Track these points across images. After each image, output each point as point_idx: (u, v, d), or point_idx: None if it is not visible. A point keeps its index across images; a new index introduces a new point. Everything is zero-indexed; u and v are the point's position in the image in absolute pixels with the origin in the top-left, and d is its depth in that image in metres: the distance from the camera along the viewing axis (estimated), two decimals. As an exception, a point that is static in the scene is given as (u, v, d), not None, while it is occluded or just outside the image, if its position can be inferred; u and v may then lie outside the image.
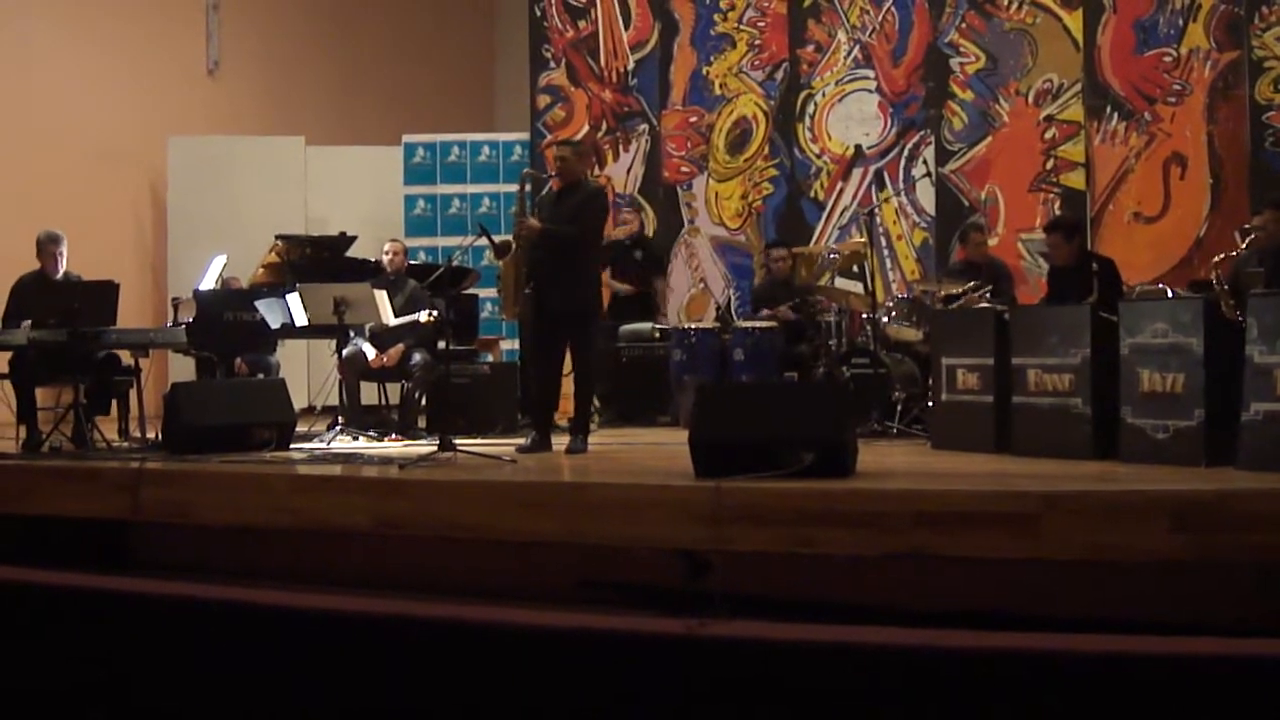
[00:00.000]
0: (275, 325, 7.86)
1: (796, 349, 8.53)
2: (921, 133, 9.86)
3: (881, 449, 6.85)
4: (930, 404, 7.09)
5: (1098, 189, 9.34)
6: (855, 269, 9.33)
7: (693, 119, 10.57)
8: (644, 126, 10.72)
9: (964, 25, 9.72)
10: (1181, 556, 4.53)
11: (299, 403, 7.85)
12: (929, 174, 9.68)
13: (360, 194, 11.21)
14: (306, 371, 10.14)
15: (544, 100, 11.05)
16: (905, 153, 9.93)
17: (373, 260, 8.50)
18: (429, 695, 3.53)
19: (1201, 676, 3.05)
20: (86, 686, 3.90)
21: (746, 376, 8.11)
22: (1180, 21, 9.13)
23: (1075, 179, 9.40)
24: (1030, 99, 9.53)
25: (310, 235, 9.30)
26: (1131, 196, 9.25)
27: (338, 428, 7.65)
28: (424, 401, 8.04)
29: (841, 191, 10.11)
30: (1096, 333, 5.98)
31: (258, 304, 7.88)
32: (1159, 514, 4.56)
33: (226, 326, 7.84)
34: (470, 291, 9.16)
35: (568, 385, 7.09)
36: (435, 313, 7.65)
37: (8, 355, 7.37)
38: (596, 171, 10.57)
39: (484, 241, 7.42)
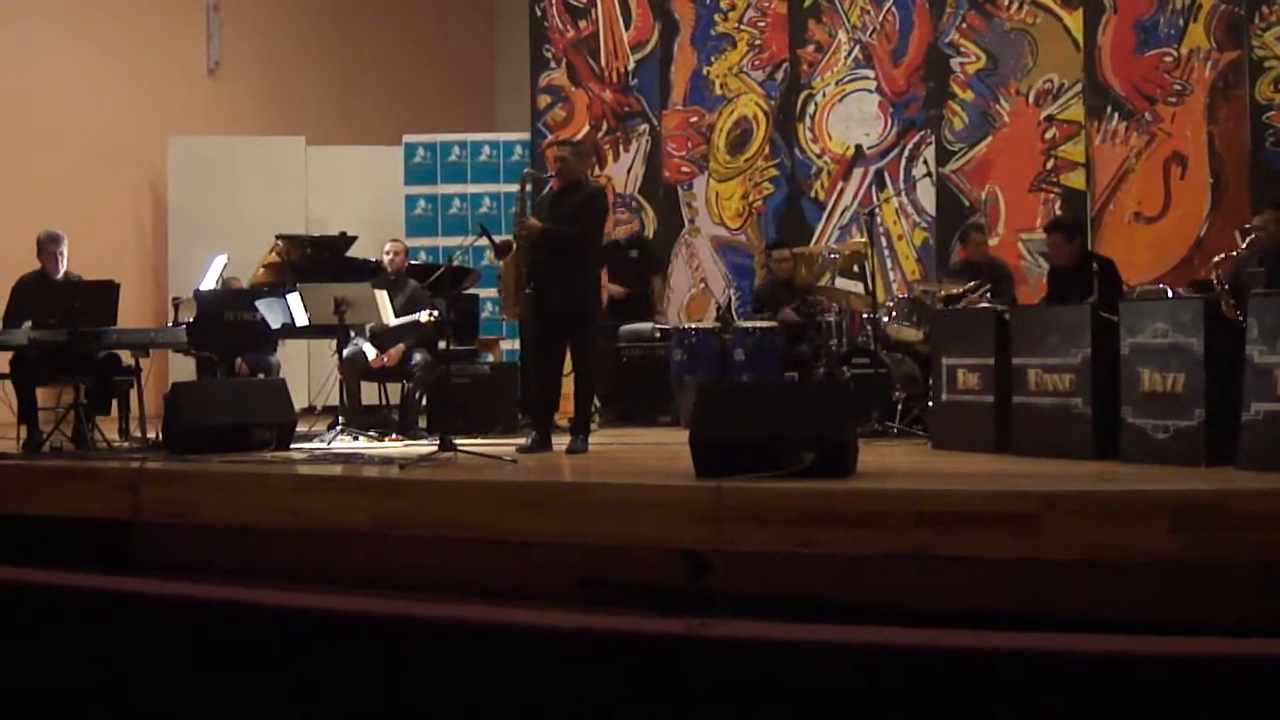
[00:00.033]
0: (276, 325, 7.87)
1: (797, 349, 8.54)
2: (922, 133, 9.86)
3: (882, 449, 6.85)
4: (931, 404, 7.09)
5: (1098, 189, 9.34)
6: (856, 269, 9.34)
7: (693, 119, 10.57)
8: (644, 126, 10.72)
9: (964, 25, 9.73)
10: (1182, 556, 4.53)
11: (299, 403, 7.85)
12: (929, 174, 9.69)
13: (361, 194, 11.22)
14: (307, 371, 10.15)
15: (544, 100, 11.05)
16: (906, 153, 9.93)
17: (373, 260, 8.51)
18: (429, 695, 3.53)
19: (1202, 677, 3.04)
20: (86, 686, 3.89)
21: (747, 376, 8.11)
22: (1181, 21, 9.13)
23: (1076, 179, 9.40)
24: (1031, 99, 9.53)
25: (311, 235, 9.31)
26: (1132, 196, 9.26)
27: (338, 428, 7.65)
28: (424, 401, 8.04)
29: (842, 191, 10.11)
30: (1097, 333, 5.98)
31: (258, 304, 7.89)
32: (1159, 514, 4.57)
33: (227, 326, 7.84)
34: (471, 291, 9.17)
35: (568, 385, 7.09)
36: (436, 313, 7.65)
37: (8, 355, 7.37)
38: (597, 172, 10.57)
39: (484, 241, 7.42)
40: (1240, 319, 5.54)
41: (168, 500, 6.04)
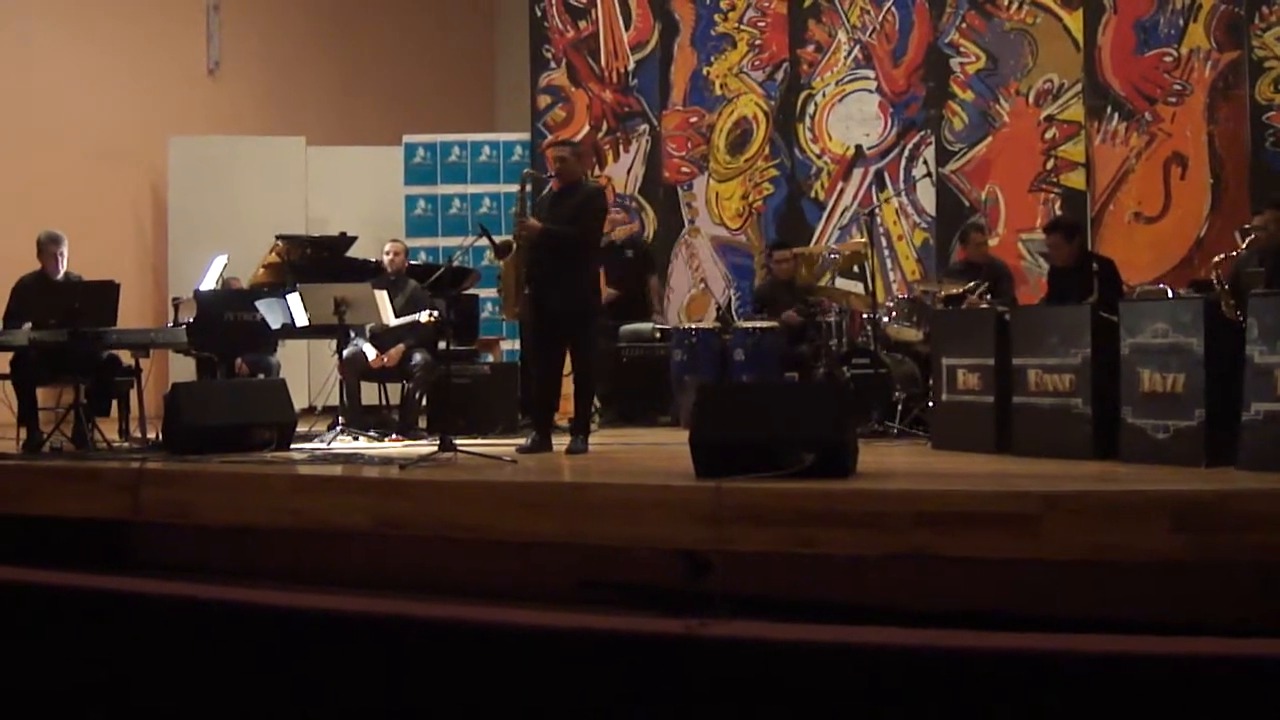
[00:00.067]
0: (276, 325, 7.87)
1: (797, 349, 8.53)
2: (922, 133, 9.86)
3: (882, 449, 6.85)
4: (931, 404, 7.09)
5: (1098, 189, 9.34)
6: (856, 269, 9.34)
7: (693, 119, 10.57)
8: (644, 127, 10.72)
9: (964, 25, 9.73)
10: (1182, 557, 4.53)
11: (299, 403, 7.85)
12: (929, 174, 9.68)
13: (361, 194, 11.22)
14: (307, 372, 10.15)
15: (544, 100, 11.06)
16: (905, 153, 9.93)
17: (373, 260, 8.50)
18: (429, 695, 3.53)
19: (1202, 677, 3.04)
20: (86, 686, 3.90)
21: (747, 377, 8.11)
22: (1180, 22, 9.13)
23: (1076, 179, 9.40)
24: (1030, 99, 9.53)
25: (311, 235, 9.31)
26: (1132, 196, 9.26)
27: (338, 428, 7.64)
28: (424, 402, 8.04)
29: (842, 192, 10.11)
30: (1097, 333, 5.98)
31: (258, 304, 7.88)
32: (1159, 514, 4.56)
33: (227, 327, 7.84)
34: (471, 292, 9.16)
35: (568, 385, 7.09)
36: (436, 313, 7.65)
37: (9, 356, 7.37)
38: (597, 172, 10.58)
39: (484, 242, 7.42)
40: (1240, 319, 5.54)
41: (168, 500, 6.03)
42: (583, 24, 10.94)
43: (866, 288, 8.67)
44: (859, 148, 10.05)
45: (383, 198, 11.15)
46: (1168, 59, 9.16)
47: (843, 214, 10.07)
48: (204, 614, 3.93)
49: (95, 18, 10.88)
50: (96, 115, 10.74)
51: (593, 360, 7.11)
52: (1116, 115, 9.28)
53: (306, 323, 7.71)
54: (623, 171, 10.77)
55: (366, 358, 7.82)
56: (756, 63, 10.38)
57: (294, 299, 7.70)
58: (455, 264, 7.77)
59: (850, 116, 10.09)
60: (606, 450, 7.18)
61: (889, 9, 9.97)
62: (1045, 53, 9.49)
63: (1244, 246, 6.39)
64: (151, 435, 7.55)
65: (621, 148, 10.79)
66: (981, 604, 4.68)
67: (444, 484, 5.73)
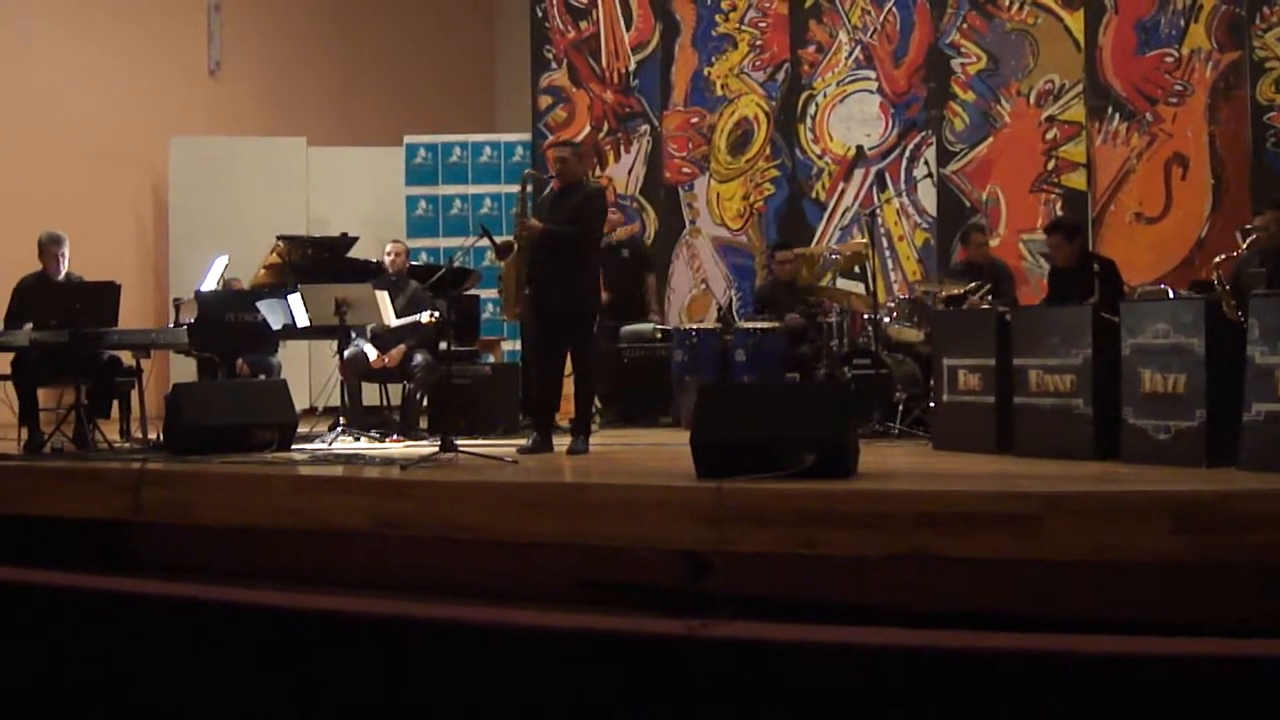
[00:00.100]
0: (277, 326, 7.86)
1: (798, 350, 8.53)
2: (923, 133, 9.86)
3: (883, 449, 6.85)
4: (932, 405, 7.09)
5: (1099, 189, 9.34)
6: (857, 270, 9.34)
7: (694, 120, 10.57)
8: (645, 127, 10.72)
9: (965, 26, 9.72)
10: (1183, 557, 4.52)
11: (300, 404, 7.85)
12: (930, 175, 9.69)
13: (362, 195, 11.22)
14: (308, 372, 10.15)
15: (545, 101, 11.06)
16: (906, 153, 9.93)
17: (374, 261, 8.50)
18: (430, 696, 3.53)
19: (1203, 677, 3.04)
20: (86, 686, 3.90)
21: (748, 377, 8.11)
22: (1181, 22, 9.13)
23: (1076, 179, 9.40)
24: (1031, 99, 9.53)
25: (312, 236, 9.31)
26: (1133, 197, 9.25)
27: (339, 429, 7.64)
28: (425, 402, 8.04)
29: (843, 192, 10.11)
30: (1098, 333, 5.98)
31: (259, 305, 7.88)
32: (1160, 515, 4.56)
33: (228, 327, 7.84)
34: (472, 292, 9.16)
35: (569, 386, 7.09)
36: (437, 313, 7.65)
37: (10, 356, 7.37)
38: (598, 173, 10.58)
39: (485, 242, 7.42)
40: (1241, 320, 5.54)
41: (169, 501, 6.03)
42: (584, 24, 10.94)
43: (867, 288, 8.67)
44: (860, 148, 10.05)
45: (383, 198, 11.15)
46: (1169, 59, 9.16)
47: (844, 214, 10.07)
48: (205, 614, 3.92)
49: (95, 18, 10.89)
50: (97, 115, 10.74)
51: (593, 361, 7.11)
52: (1117, 116, 9.28)
53: (307, 323, 7.71)
54: (624, 172, 10.77)
55: (367, 358, 7.82)
56: (757, 63, 10.38)
57: (295, 299, 7.70)
58: (456, 265, 7.78)
59: (851, 117, 10.09)
60: (607, 451, 7.18)
61: (890, 9, 9.97)
62: (1046, 53, 9.49)
63: (1245, 247, 6.39)
64: (152, 436, 7.55)
65: (622, 148, 10.79)
66: (982, 605, 4.68)
67: (445, 484, 5.73)
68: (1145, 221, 9.21)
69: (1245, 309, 5.50)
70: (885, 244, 9.85)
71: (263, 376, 8.28)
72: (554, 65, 11.02)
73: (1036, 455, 6.07)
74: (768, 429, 5.39)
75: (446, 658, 3.56)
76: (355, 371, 7.83)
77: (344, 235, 8.86)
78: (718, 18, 10.48)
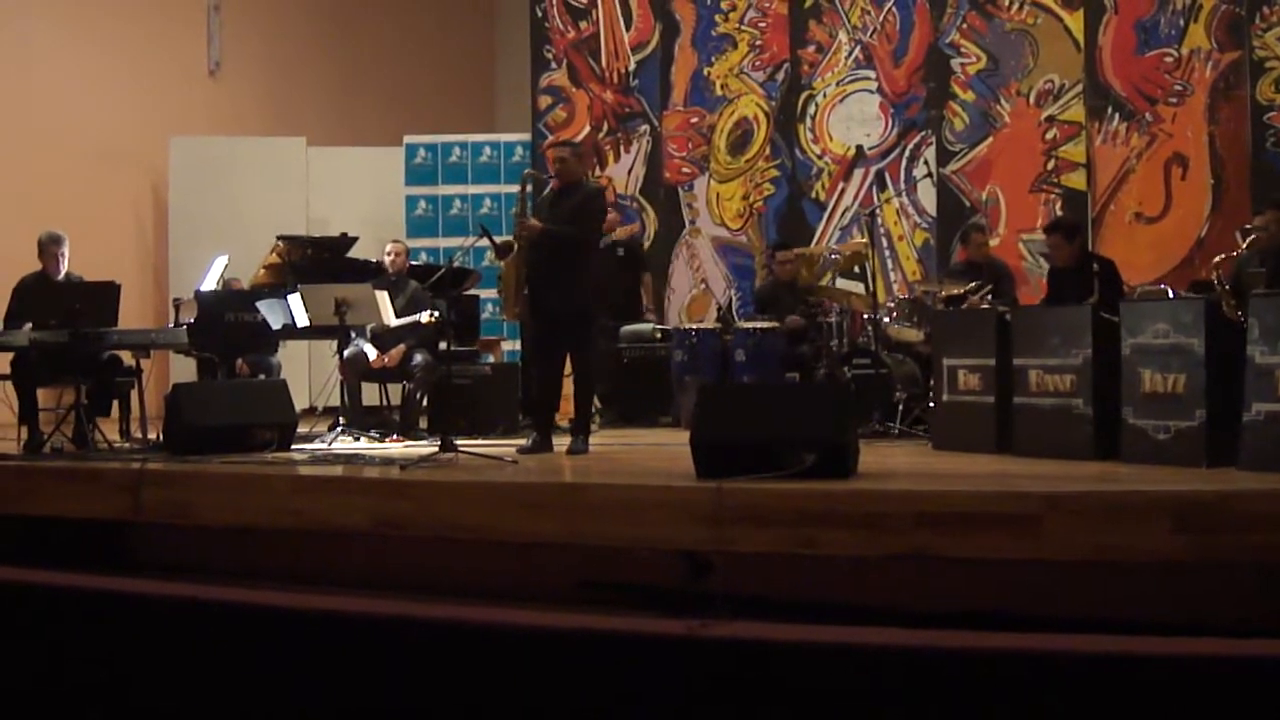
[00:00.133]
0: (276, 326, 7.86)
1: (798, 350, 8.53)
2: (922, 133, 9.86)
3: (883, 449, 6.85)
4: (931, 404, 7.09)
5: (1099, 189, 9.34)
6: (856, 270, 9.34)
7: (694, 120, 10.57)
8: (645, 127, 10.72)
9: (965, 26, 9.73)
10: (1183, 557, 4.52)
11: (300, 404, 7.85)
12: (930, 174, 9.69)
13: (361, 195, 11.22)
14: (308, 372, 10.15)
15: (545, 101, 11.06)
16: (906, 153, 9.93)
17: (374, 261, 8.50)
18: (429, 696, 3.53)
19: (1203, 677, 3.04)
20: (86, 686, 3.89)
21: (748, 377, 8.11)
22: (1181, 22, 9.13)
23: (1076, 179, 9.40)
24: (1031, 99, 9.53)
25: (311, 236, 9.31)
26: (1133, 197, 9.26)
27: (339, 429, 7.64)
28: (425, 402, 8.04)
29: (843, 192, 10.11)
30: (1098, 333, 5.98)
31: (259, 305, 7.88)
32: (1160, 515, 4.56)
33: (228, 327, 7.84)
34: (471, 292, 9.16)
35: (568, 386, 7.09)
36: (436, 314, 7.65)
37: (9, 356, 7.37)
38: (597, 173, 10.58)
39: (485, 242, 7.42)
40: (1241, 319, 5.54)
41: (168, 501, 6.03)
42: (583, 24, 10.95)
43: (867, 288, 8.67)
44: (860, 148, 10.05)
45: (383, 198, 11.16)
46: (1168, 59, 9.16)
47: (843, 214, 10.07)
48: (204, 614, 3.92)
49: (95, 18, 10.89)
50: (97, 115, 10.74)
51: (592, 361, 7.11)
52: (1117, 116, 9.28)
53: (307, 323, 7.71)
54: (623, 172, 10.77)
55: (367, 358, 7.82)
56: (757, 63, 10.38)
57: (295, 299, 7.70)
58: (456, 264, 7.78)
59: (851, 117, 10.10)
60: (607, 451, 7.18)
61: (890, 9, 9.97)
62: (1046, 53, 9.49)
63: (1245, 247, 6.38)
64: (152, 436, 7.55)
65: (622, 148, 10.79)
66: (982, 605, 4.68)
67: (444, 484, 5.73)
68: (1145, 221, 9.21)
69: (1245, 309, 5.50)
70: (885, 244, 9.86)
71: (263, 376, 8.28)
72: (554, 65, 11.02)
73: (1036, 455, 6.07)
74: (768, 429, 5.39)
75: (446, 658, 3.56)
76: (355, 371, 7.83)
77: (344, 235, 8.86)
78: (717, 18, 10.48)
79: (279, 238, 8.73)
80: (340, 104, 12.01)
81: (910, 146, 9.91)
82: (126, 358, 7.90)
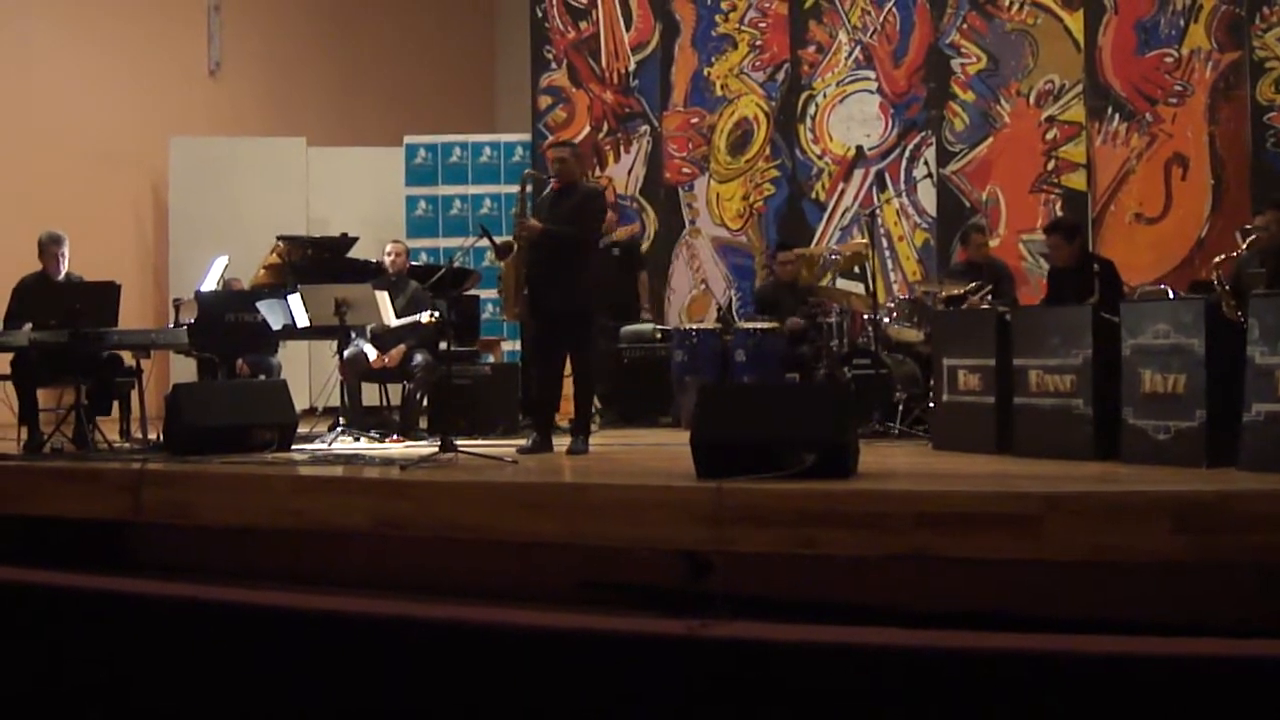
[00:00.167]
0: (276, 326, 7.86)
1: (798, 350, 8.53)
2: (923, 134, 9.86)
3: (883, 450, 6.85)
4: (932, 405, 7.09)
5: (1099, 190, 9.34)
6: (857, 270, 9.34)
7: (694, 120, 10.57)
8: (645, 127, 10.72)
9: (965, 26, 9.73)
10: (1183, 557, 4.52)
11: (300, 404, 7.85)
12: (930, 175, 9.69)
13: (361, 195, 11.22)
14: (308, 372, 10.15)
15: (545, 101, 11.06)
16: (906, 154, 9.93)
17: (374, 261, 8.50)
18: (429, 696, 3.53)
19: (1203, 677, 3.04)
20: (86, 686, 3.90)
21: (748, 377, 8.11)
22: (1181, 22, 9.13)
23: (1076, 180, 9.40)
24: (1031, 100, 9.53)
25: (311, 236, 9.31)
26: (1133, 197, 9.26)
27: (339, 429, 7.64)
28: (425, 402, 8.04)
29: (843, 192, 10.11)
30: (1098, 333, 5.98)
31: (259, 305, 7.88)
32: (1160, 515, 4.56)
33: (228, 327, 7.84)
34: (472, 292, 9.16)
35: (568, 386, 7.09)
36: (437, 314, 7.65)
37: (9, 356, 7.37)
38: (597, 173, 10.58)
39: (485, 242, 7.42)
40: (1241, 320, 5.53)
41: (168, 501, 6.03)
42: (583, 25, 10.95)
43: (867, 288, 8.67)
44: (860, 148, 10.05)
45: (383, 198, 11.16)
46: (1168, 59, 9.16)
47: (843, 215, 10.07)
48: (204, 614, 3.93)
49: (95, 18, 10.89)
50: (97, 115, 10.74)
51: (592, 361, 7.11)
52: (1117, 116, 9.28)
53: (307, 323, 7.71)
54: (624, 172, 10.77)
55: (367, 358, 7.82)
56: (757, 63, 10.38)
57: (295, 300, 7.70)
58: (456, 265, 7.78)
59: (851, 117, 10.10)
60: (607, 451, 7.18)
61: (890, 10, 9.97)
62: (1046, 53, 9.49)
63: (1245, 247, 6.38)
64: (152, 436, 7.54)
65: (622, 148, 10.79)
66: (982, 605, 4.68)
67: (445, 485, 5.73)
68: (1145, 222, 9.21)
69: (1245, 309, 5.50)
70: (885, 244, 9.86)
71: (263, 376, 8.28)
72: (554, 65, 11.02)
73: (1036, 455, 6.07)
74: (768, 429, 5.39)
75: (446, 658, 3.56)
76: (355, 371, 7.83)
77: (344, 235, 8.86)
78: (717, 18, 10.48)
79: (279, 238, 8.73)
80: (340, 104, 12.01)
81: (910, 147, 9.91)
82: (127, 358, 7.90)
